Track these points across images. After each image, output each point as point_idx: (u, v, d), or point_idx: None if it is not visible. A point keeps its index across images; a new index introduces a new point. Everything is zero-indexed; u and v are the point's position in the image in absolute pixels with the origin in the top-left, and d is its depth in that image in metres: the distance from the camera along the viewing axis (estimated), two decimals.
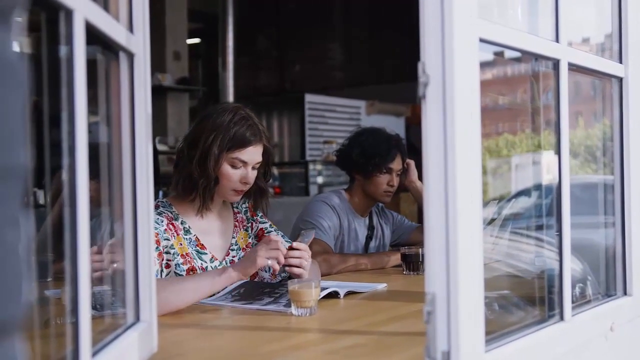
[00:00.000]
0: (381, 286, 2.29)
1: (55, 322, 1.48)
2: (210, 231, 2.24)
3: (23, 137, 0.53)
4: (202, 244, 2.19)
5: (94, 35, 1.09)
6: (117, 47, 1.26)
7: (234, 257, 2.26)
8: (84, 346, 0.99)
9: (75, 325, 0.98)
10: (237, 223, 2.33)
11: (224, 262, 2.22)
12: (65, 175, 1.00)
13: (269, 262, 1.98)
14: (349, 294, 2.12)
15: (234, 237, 2.29)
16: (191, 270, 2.11)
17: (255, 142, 2.15)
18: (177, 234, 2.14)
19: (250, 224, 2.36)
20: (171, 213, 2.17)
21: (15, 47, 0.54)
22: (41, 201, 2.28)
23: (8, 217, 0.51)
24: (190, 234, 2.17)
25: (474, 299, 1.16)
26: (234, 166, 2.15)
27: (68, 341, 1.00)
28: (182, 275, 2.09)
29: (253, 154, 2.16)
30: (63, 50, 0.99)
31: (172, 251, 2.09)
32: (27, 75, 0.54)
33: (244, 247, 2.30)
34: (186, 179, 2.15)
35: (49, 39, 1.02)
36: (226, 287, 2.08)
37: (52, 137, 1.00)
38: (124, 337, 1.24)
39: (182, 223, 2.17)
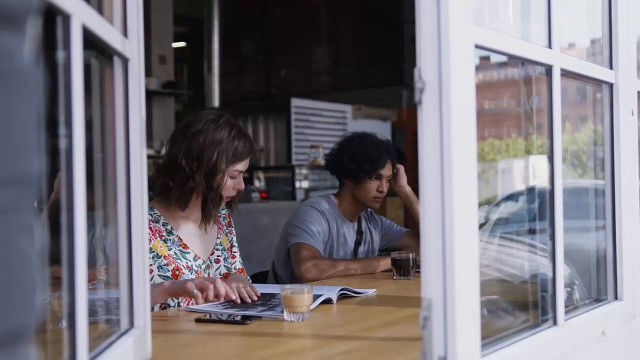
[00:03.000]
0: (371, 292, 2.29)
1: (46, 329, 1.46)
2: (194, 233, 2.30)
3: (37, 145, 0.53)
4: (185, 244, 2.24)
5: (89, 40, 1.08)
6: (112, 52, 1.25)
7: (218, 256, 2.35)
8: (81, 353, 0.98)
9: (72, 332, 0.97)
10: (220, 225, 2.41)
11: (208, 261, 2.30)
12: (60, 180, 0.99)
13: (195, 291, 1.89)
14: (342, 297, 2.12)
15: (218, 238, 2.38)
16: (176, 270, 2.17)
17: (252, 153, 2.27)
18: (156, 237, 2.18)
19: (229, 230, 2.45)
20: (152, 216, 2.21)
21: (29, 54, 0.53)
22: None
23: (22, 225, 0.51)
24: (173, 235, 2.23)
25: (471, 303, 1.16)
26: (233, 177, 2.24)
27: (63, 347, 0.99)
28: (167, 276, 2.14)
29: (248, 163, 2.28)
30: (60, 54, 0.98)
31: (150, 254, 2.10)
32: (40, 82, 0.54)
33: (227, 248, 2.40)
34: (189, 193, 2.20)
35: (44, 43, 1.01)
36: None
37: (47, 141, 0.99)
38: (119, 343, 1.23)
39: (163, 225, 2.22)
